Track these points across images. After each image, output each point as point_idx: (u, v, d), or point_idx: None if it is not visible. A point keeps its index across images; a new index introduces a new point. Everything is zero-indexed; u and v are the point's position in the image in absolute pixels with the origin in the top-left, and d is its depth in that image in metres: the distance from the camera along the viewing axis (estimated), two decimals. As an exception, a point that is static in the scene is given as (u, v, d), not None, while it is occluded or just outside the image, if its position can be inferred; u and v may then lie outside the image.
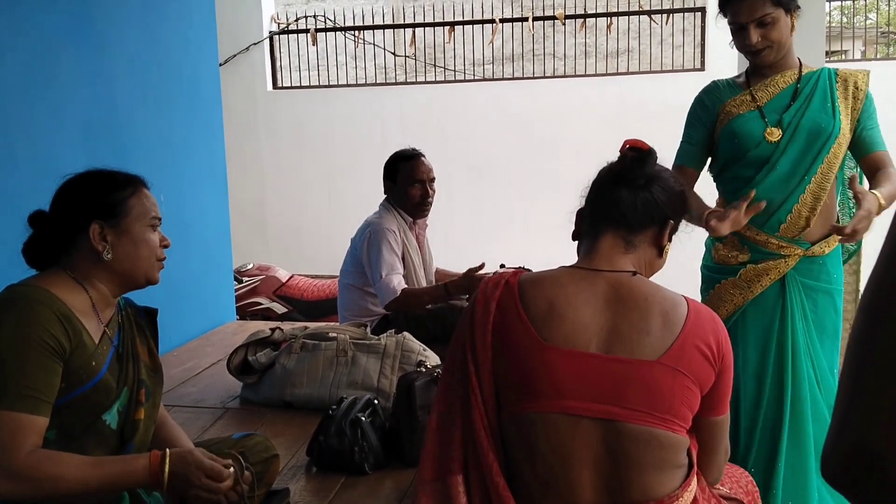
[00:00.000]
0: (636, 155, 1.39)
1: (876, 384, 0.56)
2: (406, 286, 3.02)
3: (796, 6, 2.03)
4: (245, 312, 4.89)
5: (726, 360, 1.32)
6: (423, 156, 3.16)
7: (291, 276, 5.25)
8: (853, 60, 7.50)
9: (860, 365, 0.58)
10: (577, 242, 1.47)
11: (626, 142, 1.42)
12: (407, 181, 3.09)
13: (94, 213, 1.51)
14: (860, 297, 0.62)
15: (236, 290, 4.58)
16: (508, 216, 6.03)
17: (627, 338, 1.28)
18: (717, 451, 1.41)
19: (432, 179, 3.14)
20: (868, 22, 9.35)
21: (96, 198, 1.53)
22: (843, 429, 0.57)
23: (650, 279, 1.39)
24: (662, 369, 1.26)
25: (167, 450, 1.44)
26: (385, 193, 3.19)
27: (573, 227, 1.47)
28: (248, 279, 5.13)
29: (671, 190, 1.40)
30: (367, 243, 3.04)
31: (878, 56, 8.65)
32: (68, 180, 1.56)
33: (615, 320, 1.29)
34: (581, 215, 1.45)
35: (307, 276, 5.39)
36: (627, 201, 1.36)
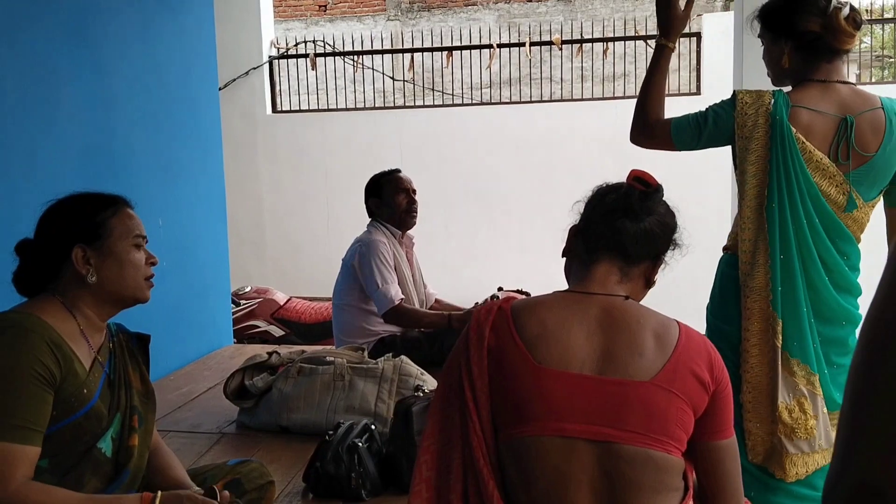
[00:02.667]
0: (645, 190, 1.39)
1: (877, 421, 0.55)
2: (403, 297, 3.06)
3: (776, 38, 1.93)
4: (242, 335, 4.88)
5: (721, 383, 1.32)
6: (401, 171, 3.31)
7: (289, 299, 5.23)
8: (848, 84, 7.53)
9: (860, 401, 0.57)
10: (565, 260, 1.47)
11: (632, 171, 1.41)
12: (392, 193, 3.22)
13: (75, 237, 1.50)
14: (860, 330, 0.61)
15: (234, 313, 4.57)
16: (505, 238, 6.04)
17: (620, 359, 1.28)
18: (731, 481, 1.34)
19: (414, 190, 3.28)
20: (863, 45, 9.44)
21: (77, 221, 1.52)
22: (845, 467, 0.56)
23: (640, 303, 1.40)
24: (656, 390, 1.26)
25: (159, 492, 1.43)
26: (370, 215, 3.30)
27: (564, 244, 1.46)
28: (245, 302, 5.12)
29: (668, 226, 1.41)
30: (358, 257, 3.12)
31: (873, 80, 8.73)
32: (50, 206, 1.56)
33: (608, 342, 1.29)
34: (574, 232, 1.45)
35: (305, 298, 5.38)
36: (630, 234, 1.36)
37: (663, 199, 1.41)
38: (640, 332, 1.30)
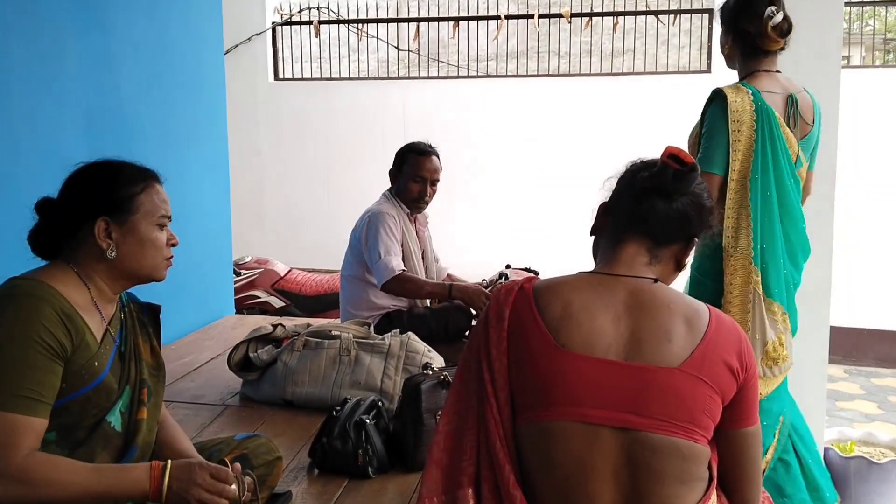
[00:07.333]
0: (679, 168, 1.32)
1: None
2: (405, 269, 3.01)
3: (724, 30, 2.28)
4: (242, 306, 4.84)
5: (750, 370, 1.28)
6: (436, 155, 3.19)
7: (290, 270, 5.19)
8: (854, 67, 7.45)
9: None
10: (592, 238, 1.42)
11: (667, 148, 1.34)
12: (410, 174, 3.14)
13: (100, 208, 1.46)
14: None
15: (234, 283, 4.53)
16: (509, 214, 5.98)
17: (648, 345, 1.24)
18: (753, 467, 1.32)
19: (435, 180, 3.17)
20: (869, 28, 9.32)
21: (104, 192, 1.47)
22: None
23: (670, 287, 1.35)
24: (683, 377, 1.22)
25: (169, 461, 1.39)
26: (390, 181, 3.22)
27: (592, 222, 1.41)
28: (246, 272, 5.07)
29: (703, 207, 1.35)
30: (366, 227, 3.07)
31: (880, 63, 8.62)
32: (79, 169, 1.51)
33: (635, 327, 1.25)
34: (604, 210, 1.40)
35: (305, 269, 5.35)
36: (661, 214, 1.31)
37: (699, 178, 1.36)
38: (669, 317, 1.25)
